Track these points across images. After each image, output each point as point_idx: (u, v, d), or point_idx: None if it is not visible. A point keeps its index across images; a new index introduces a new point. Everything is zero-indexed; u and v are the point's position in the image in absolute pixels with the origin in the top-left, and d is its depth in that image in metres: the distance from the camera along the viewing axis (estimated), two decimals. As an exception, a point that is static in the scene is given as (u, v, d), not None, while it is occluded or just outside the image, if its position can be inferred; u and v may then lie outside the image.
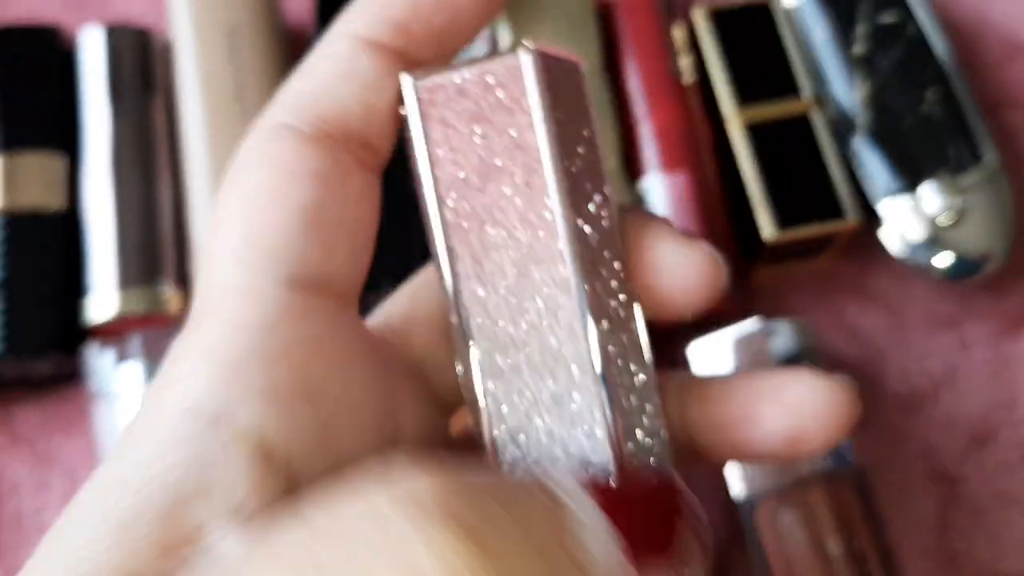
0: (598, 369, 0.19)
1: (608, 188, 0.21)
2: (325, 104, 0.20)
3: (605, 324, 0.20)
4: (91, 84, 0.39)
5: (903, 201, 0.38)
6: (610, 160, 0.38)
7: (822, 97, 0.39)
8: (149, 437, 0.19)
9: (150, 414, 0.19)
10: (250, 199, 0.20)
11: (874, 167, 0.38)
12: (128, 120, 0.39)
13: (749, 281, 0.40)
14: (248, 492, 0.18)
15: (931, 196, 0.38)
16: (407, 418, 0.21)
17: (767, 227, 0.37)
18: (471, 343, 0.20)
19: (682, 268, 0.21)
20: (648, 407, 0.20)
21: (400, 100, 0.20)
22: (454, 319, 0.20)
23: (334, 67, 0.20)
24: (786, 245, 0.38)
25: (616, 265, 0.20)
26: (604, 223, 0.20)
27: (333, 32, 0.21)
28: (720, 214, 0.38)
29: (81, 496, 0.19)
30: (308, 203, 0.19)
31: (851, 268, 0.40)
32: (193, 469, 0.18)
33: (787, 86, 0.39)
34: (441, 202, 0.20)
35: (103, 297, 0.37)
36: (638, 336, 0.21)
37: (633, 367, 0.20)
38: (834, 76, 0.39)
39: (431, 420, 0.22)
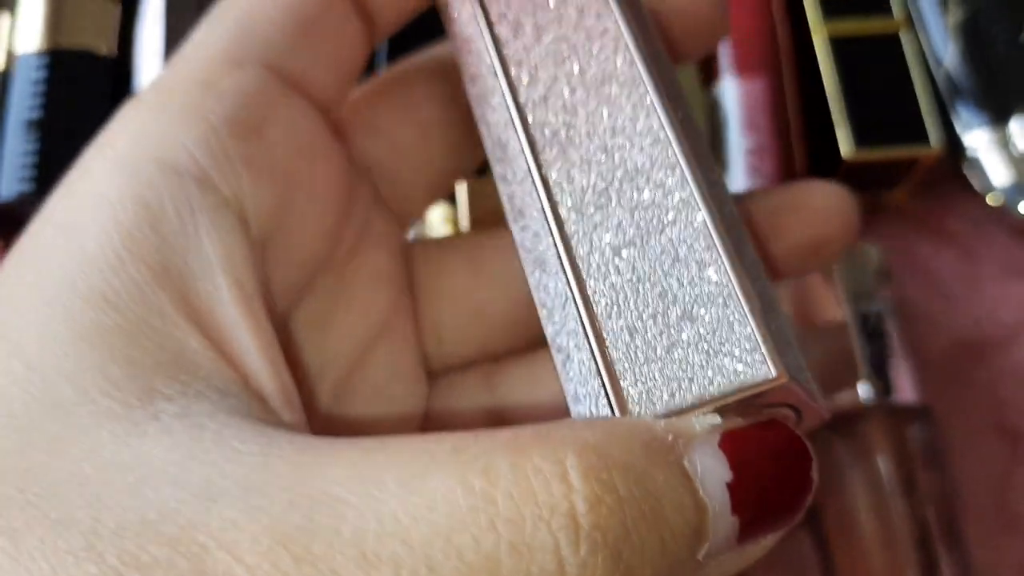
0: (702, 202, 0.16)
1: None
2: None
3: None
4: (155, -66, 0.38)
5: (991, 135, 0.36)
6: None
7: (913, 19, 0.37)
8: (112, 191, 0.16)
9: (106, 164, 0.17)
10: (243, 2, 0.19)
11: (962, 97, 0.36)
12: (188, -29, 0.37)
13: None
14: (246, 270, 0.16)
15: (1022, 131, 0.35)
16: (358, 220, 0.21)
17: (846, 144, 0.35)
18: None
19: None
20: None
21: None
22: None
23: None
24: (864, 167, 0.36)
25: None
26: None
27: None
28: (797, 128, 0.36)
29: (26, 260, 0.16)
30: (299, 6, 0.19)
31: (927, 205, 0.38)
32: (183, 235, 0.16)
33: (877, 3, 0.37)
34: (499, 48, 0.18)
35: (143, 144, 0.35)
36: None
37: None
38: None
39: (386, 225, 0.22)
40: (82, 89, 0.36)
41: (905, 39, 0.37)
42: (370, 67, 0.38)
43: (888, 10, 0.37)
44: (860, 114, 0.35)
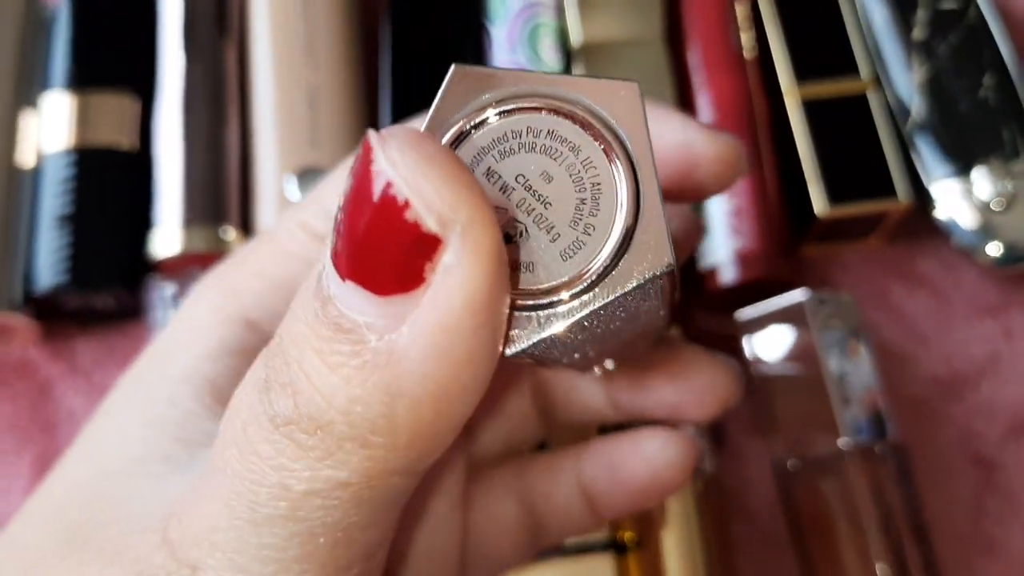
0: None
1: None
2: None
3: None
4: (167, 30, 0.40)
5: (955, 185, 0.38)
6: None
7: (880, 79, 0.40)
8: (206, 327, 0.21)
9: (208, 306, 0.21)
10: None
11: (928, 150, 0.39)
12: (201, 65, 0.40)
13: (799, 255, 0.40)
14: None
15: (983, 181, 0.38)
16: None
17: (819, 202, 0.38)
18: None
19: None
20: None
21: None
22: None
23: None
24: (837, 222, 0.38)
25: None
26: None
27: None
28: (774, 188, 0.39)
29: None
30: None
31: (899, 250, 0.41)
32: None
33: (846, 65, 0.39)
34: None
35: (167, 234, 0.38)
36: None
37: None
38: (893, 59, 0.40)
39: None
40: (108, 183, 0.38)
41: (872, 98, 0.39)
42: (373, 74, 0.39)
43: (856, 71, 0.39)
44: (832, 173, 0.38)
